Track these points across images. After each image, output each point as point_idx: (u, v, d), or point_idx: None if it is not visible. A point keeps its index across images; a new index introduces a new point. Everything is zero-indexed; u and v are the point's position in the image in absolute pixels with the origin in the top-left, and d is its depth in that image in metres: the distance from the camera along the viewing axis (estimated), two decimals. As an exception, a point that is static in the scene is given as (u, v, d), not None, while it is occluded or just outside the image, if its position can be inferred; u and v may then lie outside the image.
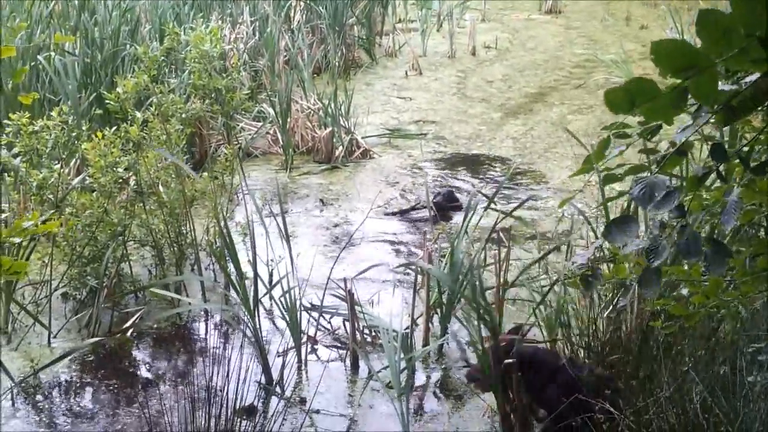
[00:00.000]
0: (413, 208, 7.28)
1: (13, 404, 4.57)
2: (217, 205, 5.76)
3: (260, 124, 9.10)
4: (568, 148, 8.35)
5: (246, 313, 4.88)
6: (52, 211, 5.21)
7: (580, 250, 5.35)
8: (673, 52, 1.92)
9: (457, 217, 6.89)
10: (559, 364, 3.89)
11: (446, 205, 7.28)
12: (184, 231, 5.81)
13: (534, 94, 10.46)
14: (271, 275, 5.65)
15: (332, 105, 8.67)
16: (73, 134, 5.74)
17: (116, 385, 4.79)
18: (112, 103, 5.96)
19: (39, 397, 4.66)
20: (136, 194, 5.66)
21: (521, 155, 8.52)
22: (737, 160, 2.57)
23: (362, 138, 8.83)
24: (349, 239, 6.39)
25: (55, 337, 5.21)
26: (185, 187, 5.77)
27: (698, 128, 2.31)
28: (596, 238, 5.02)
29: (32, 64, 7.66)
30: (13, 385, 4.59)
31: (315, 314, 5.29)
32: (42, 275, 5.50)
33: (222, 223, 5.36)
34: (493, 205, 5.96)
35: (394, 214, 7.21)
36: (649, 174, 2.38)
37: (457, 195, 7.46)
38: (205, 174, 6.28)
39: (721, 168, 2.50)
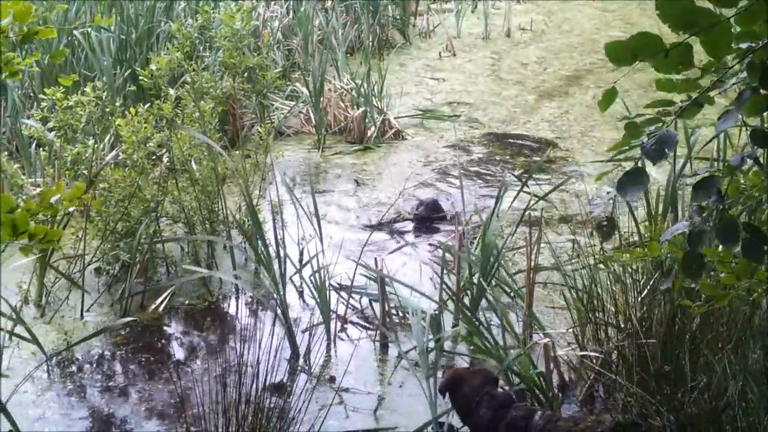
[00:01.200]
0: (395, 221, 6.63)
1: (48, 376, 4.62)
2: (248, 183, 5.77)
3: (293, 103, 9.10)
4: (605, 131, 8.26)
5: (274, 290, 4.89)
6: (79, 185, 5.21)
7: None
8: (677, 9, 2.02)
9: (444, 228, 6.54)
10: (489, 385, 3.84)
11: (430, 216, 6.69)
12: (216, 209, 5.82)
13: (569, 76, 10.35)
14: (301, 254, 5.66)
15: (365, 85, 8.65)
16: (107, 110, 5.76)
17: (148, 360, 4.83)
18: (145, 79, 5.98)
19: (73, 369, 4.71)
20: (169, 171, 5.69)
21: (557, 138, 8.43)
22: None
23: (395, 119, 8.80)
24: (380, 219, 6.38)
25: (88, 311, 5.25)
26: (217, 165, 5.78)
27: (740, 114, 2.28)
28: (634, 219, 4.96)
29: (69, 38, 7.71)
30: (46, 359, 4.64)
31: (344, 294, 5.28)
32: (76, 249, 5.54)
33: (253, 201, 5.37)
34: (526, 188, 5.91)
35: (372, 227, 6.45)
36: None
37: (442, 204, 6.84)
38: (238, 152, 6.29)
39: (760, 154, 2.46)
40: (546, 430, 3.58)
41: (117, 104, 5.90)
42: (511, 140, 8.53)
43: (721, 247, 2.86)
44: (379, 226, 6.43)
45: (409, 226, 6.61)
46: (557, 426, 3.59)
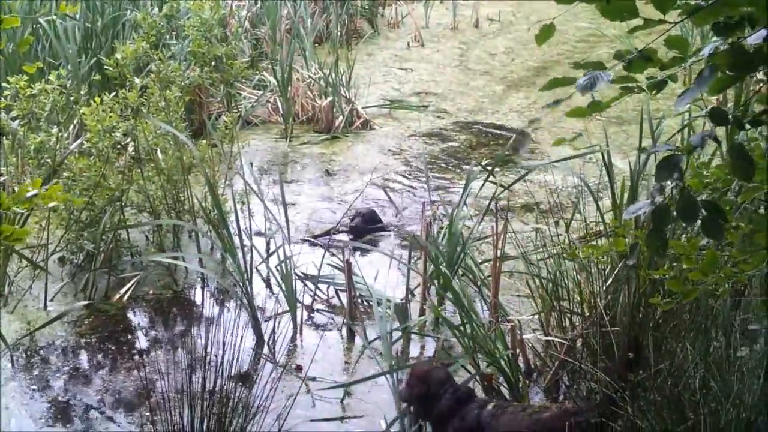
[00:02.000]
0: (328, 233, 6.18)
1: (12, 365, 4.58)
2: (214, 172, 5.74)
3: (261, 92, 9.06)
4: (573, 122, 8.30)
5: (240, 279, 4.87)
6: (55, 181, 5.16)
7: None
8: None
9: (383, 243, 6.21)
10: (448, 382, 3.89)
11: (366, 228, 6.27)
12: (182, 198, 5.78)
13: (536, 67, 10.39)
14: (268, 243, 5.64)
15: (333, 75, 8.63)
16: (72, 98, 5.70)
17: (112, 350, 4.80)
18: (110, 68, 5.92)
19: (36, 360, 4.67)
20: (134, 160, 5.64)
21: (525, 128, 8.46)
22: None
23: (363, 108, 8.79)
24: (348, 209, 6.38)
25: (51, 300, 5.21)
26: (183, 154, 5.74)
27: (700, 92, 2.32)
28: (598, 208, 4.99)
29: (34, 26, 7.61)
30: (6, 348, 4.59)
31: (311, 283, 5.28)
32: (39, 239, 5.48)
33: (218, 191, 5.34)
34: (492, 178, 5.93)
35: (305, 241, 6.00)
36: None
37: (381, 216, 6.45)
38: (203, 141, 6.25)
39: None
40: (497, 417, 3.67)
41: (82, 93, 5.83)
42: (479, 130, 8.55)
43: (685, 239, 2.91)
44: (314, 239, 6.06)
45: (345, 238, 6.18)
46: (506, 412, 3.67)
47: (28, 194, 2.86)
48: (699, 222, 2.36)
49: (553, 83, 2.59)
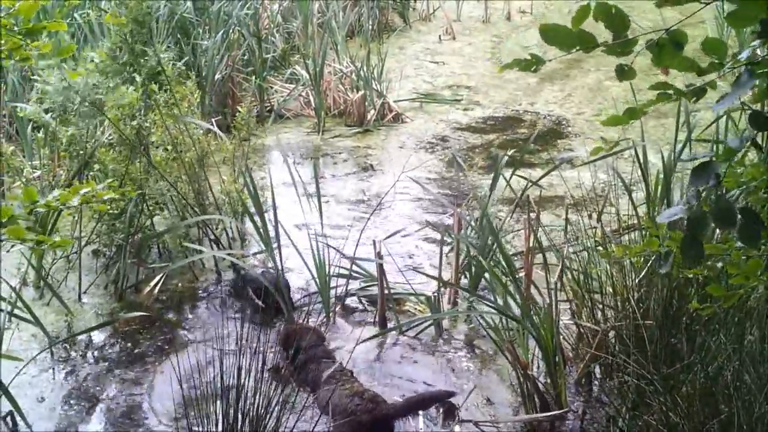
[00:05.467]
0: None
1: (51, 356, 4.63)
2: (244, 165, 5.75)
3: (293, 86, 9.09)
4: (610, 113, 8.23)
5: (274, 268, 4.88)
6: (109, 180, 5.14)
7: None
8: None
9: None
10: (319, 342, 4.42)
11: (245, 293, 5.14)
12: (203, 189, 5.83)
13: (570, 60, 10.30)
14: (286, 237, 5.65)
15: (365, 68, 8.63)
16: (101, 91, 5.71)
17: (146, 341, 4.83)
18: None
19: (73, 353, 4.71)
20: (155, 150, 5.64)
21: (560, 121, 8.40)
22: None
23: (394, 102, 8.78)
24: (379, 202, 6.38)
25: (85, 292, 5.26)
26: (204, 146, 5.79)
27: (738, 96, 2.29)
28: (631, 201, 4.95)
29: (69, 20, 7.69)
30: (49, 344, 4.65)
31: (344, 273, 5.27)
32: (72, 232, 5.53)
33: (252, 182, 5.36)
34: (520, 172, 5.90)
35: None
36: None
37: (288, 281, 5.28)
38: (233, 134, 6.27)
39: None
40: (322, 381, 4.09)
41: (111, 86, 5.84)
42: (512, 123, 8.51)
43: (723, 240, 2.87)
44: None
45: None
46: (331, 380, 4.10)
47: (81, 192, 2.90)
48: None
49: (610, 121, 2.63)
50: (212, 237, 5.72)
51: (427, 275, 5.07)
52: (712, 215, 2.36)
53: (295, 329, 4.50)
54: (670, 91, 2.54)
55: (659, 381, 3.49)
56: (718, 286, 2.93)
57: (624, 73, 2.49)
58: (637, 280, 4.28)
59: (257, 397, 3.39)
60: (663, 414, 3.34)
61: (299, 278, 5.36)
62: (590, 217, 5.96)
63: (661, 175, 5.14)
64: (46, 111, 5.66)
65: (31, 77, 5.65)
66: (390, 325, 4.90)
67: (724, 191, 2.38)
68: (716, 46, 2.38)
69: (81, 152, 5.47)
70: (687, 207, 2.45)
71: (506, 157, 5.70)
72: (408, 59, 10.46)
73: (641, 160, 5.10)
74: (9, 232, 2.71)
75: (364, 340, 4.57)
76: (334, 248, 5.17)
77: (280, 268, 5.04)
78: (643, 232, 4.57)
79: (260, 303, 4.95)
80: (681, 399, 3.30)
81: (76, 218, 5.45)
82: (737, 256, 2.80)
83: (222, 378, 3.42)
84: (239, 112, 6.40)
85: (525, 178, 5.80)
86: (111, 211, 5.32)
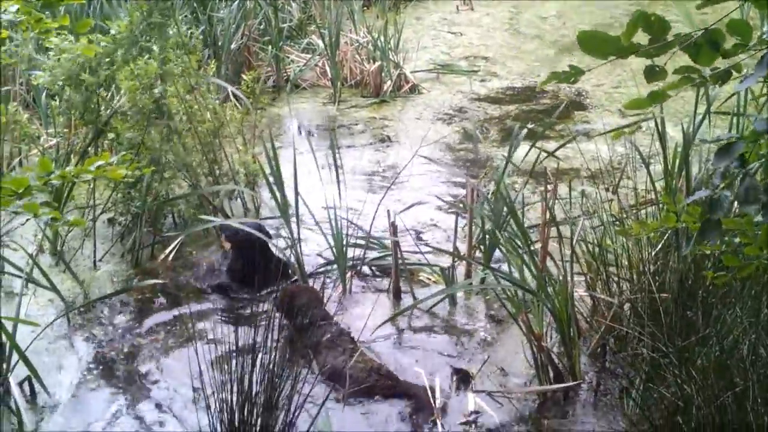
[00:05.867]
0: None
1: (69, 324, 4.66)
2: (259, 134, 5.74)
3: (309, 56, 9.05)
4: (632, 88, 8.15)
5: (290, 237, 4.87)
6: (123, 152, 5.13)
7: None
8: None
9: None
10: (317, 303, 4.43)
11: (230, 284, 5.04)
12: (219, 159, 5.83)
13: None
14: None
15: (381, 39, 8.59)
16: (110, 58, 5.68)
17: (161, 305, 4.86)
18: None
19: (89, 320, 4.74)
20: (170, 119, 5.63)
21: (580, 93, 8.34)
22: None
23: (411, 73, 8.74)
24: (397, 174, 6.36)
25: (101, 260, 5.29)
26: (220, 115, 5.78)
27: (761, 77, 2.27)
28: (649, 174, 4.91)
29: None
30: (66, 310, 4.67)
31: (359, 242, 5.27)
32: (88, 200, 5.56)
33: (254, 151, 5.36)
34: (542, 143, 5.86)
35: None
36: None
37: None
38: (250, 102, 6.26)
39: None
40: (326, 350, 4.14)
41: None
42: (530, 95, 8.46)
43: (740, 215, 2.84)
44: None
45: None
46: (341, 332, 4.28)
47: (95, 165, 2.90)
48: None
49: (632, 104, 2.60)
50: (219, 207, 5.72)
51: (441, 250, 5.06)
52: (736, 195, 2.34)
53: (293, 290, 4.50)
54: (694, 75, 2.50)
55: (674, 353, 3.48)
56: (733, 256, 2.91)
57: (654, 74, 2.44)
58: (653, 253, 4.27)
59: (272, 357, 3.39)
60: (677, 386, 3.33)
61: (316, 247, 5.36)
62: (607, 190, 5.93)
63: (680, 149, 5.09)
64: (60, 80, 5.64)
65: (47, 47, 5.63)
66: (404, 296, 4.91)
67: (749, 171, 2.36)
68: (741, 28, 2.35)
69: (96, 120, 5.46)
70: (711, 188, 2.43)
71: (525, 130, 5.66)
72: (425, 29, 10.39)
73: (660, 133, 5.06)
74: (25, 208, 2.72)
75: (383, 323, 4.55)
76: (352, 223, 5.17)
77: (296, 235, 5.03)
78: (661, 206, 4.55)
79: (225, 244, 5.05)
80: (696, 372, 3.29)
81: (91, 186, 5.46)
82: (751, 229, 2.78)
83: (237, 345, 3.43)
84: (244, 80, 6.37)
85: (542, 150, 5.76)
86: (127, 180, 5.31)
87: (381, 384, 4.02)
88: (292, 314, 4.29)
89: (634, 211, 4.87)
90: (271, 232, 5.46)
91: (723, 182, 2.42)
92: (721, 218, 2.43)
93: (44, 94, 6.70)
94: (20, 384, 4.03)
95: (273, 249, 5.03)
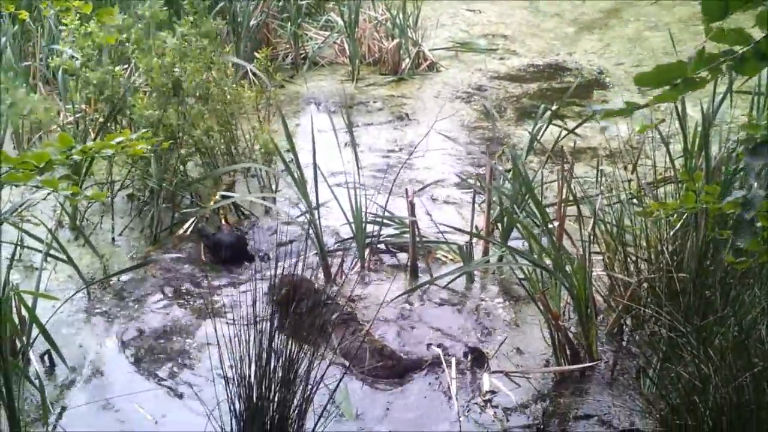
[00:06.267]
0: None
1: (89, 299, 4.69)
2: (279, 112, 5.74)
3: (327, 33, 9.03)
4: (652, 66, 8.09)
5: (308, 213, 4.88)
6: (144, 131, 5.13)
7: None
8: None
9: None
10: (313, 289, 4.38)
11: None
12: (236, 136, 5.83)
13: (609, 9, 10.15)
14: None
15: (400, 16, 8.55)
16: (125, 36, 5.69)
17: (179, 281, 4.89)
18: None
19: (108, 294, 4.77)
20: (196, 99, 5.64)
21: (601, 71, 8.28)
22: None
23: (429, 50, 8.71)
24: (413, 150, 6.35)
25: (120, 235, 5.32)
26: (235, 94, 5.78)
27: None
28: (668, 152, 4.87)
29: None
30: (85, 285, 4.71)
31: (375, 220, 5.27)
32: (107, 176, 5.58)
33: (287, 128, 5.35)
34: (557, 121, 5.83)
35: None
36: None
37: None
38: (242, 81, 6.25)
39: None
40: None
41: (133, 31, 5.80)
42: (550, 73, 8.41)
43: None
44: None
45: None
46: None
47: (115, 141, 2.91)
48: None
49: (643, 80, 2.49)
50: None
51: (459, 230, 5.05)
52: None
53: (290, 281, 4.39)
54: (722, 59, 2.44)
55: (692, 333, 3.48)
56: (755, 241, 2.89)
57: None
58: (671, 233, 4.25)
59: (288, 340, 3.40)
60: (695, 366, 3.33)
61: (334, 222, 5.37)
62: (625, 168, 5.91)
63: (699, 128, 5.06)
64: (75, 58, 5.65)
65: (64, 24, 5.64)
66: (420, 273, 4.92)
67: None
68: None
69: (113, 97, 5.47)
70: (748, 187, 2.41)
71: (546, 109, 5.63)
72: (443, 7, 10.34)
73: (679, 111, 5.02)
74: (44, 182, 2.74)
75: (396, 297, 4.57)
76: (371, 200, 5.17)
77: (315, 212, 5.03)
78: (680, 185, 4.52)
79: (203, 257, 5.11)
80: (713, 352, 3.28)
81: (110, 163, 5.49)
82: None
83: (255, 323, 3.45)
84: (257, 59, 6.35)
85: (562, 127, 5.74)
86: (146, 156, 5.34)
87: (384, 364, 4.06)
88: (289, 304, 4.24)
89: (653, 190, 4.84)
90: (290, 209, 5.48)
91: (757, 181, 2.39)
92: (755, 218, 2.41)
93: (60, 71, 6.72)
94: (40, 357, 4.08)
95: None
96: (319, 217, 4.92)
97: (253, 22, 8.33)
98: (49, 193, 5.10)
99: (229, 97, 5.75)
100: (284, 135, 5.24)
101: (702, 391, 3.24)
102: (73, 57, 5.62)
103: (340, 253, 5.07)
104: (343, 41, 8.80)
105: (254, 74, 6.81)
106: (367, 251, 5.06)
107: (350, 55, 8.59)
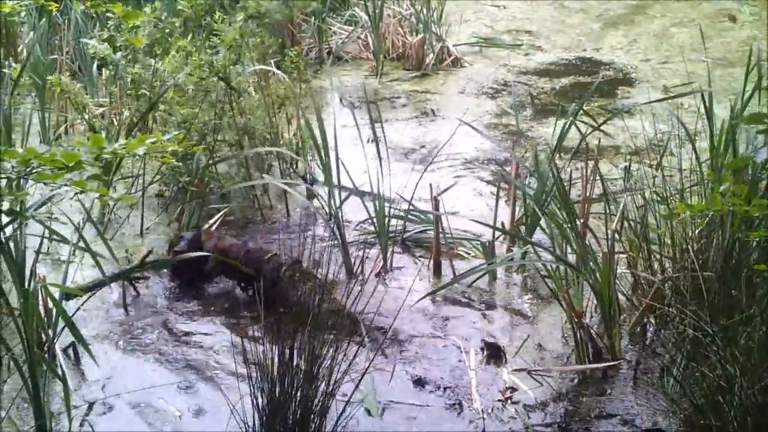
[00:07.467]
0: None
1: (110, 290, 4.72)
2: (303, 106, 5.76)
3: (351, 28, 9.04)
4: (680, 64, 8.04)
5: (332, 207, 4.89)
6: (176, 133, 5.16)
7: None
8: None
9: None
10: (265, 257, 4.54)
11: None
12: (267, 135, 5.86)
13: (634, 5, 10.08)
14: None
15: (425, 11, 8.54)
16: (167, 31, 5.74)
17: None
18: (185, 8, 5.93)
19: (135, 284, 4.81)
20: (229, 93, 5.67)
21: (627, 68, 8.24)
22: None
23: (453, 46, 8.69)
24: (440, 148, 6.35)
25: (147, 229, 5.36)
26: (271, 90, 5.81)
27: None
28: (695, 150, 4.84)
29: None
30: (110, 278, 4.73)
31: (399, 216, 5.28)
32: (134, 170, 5.62)
33: (310, 122, 5.37)
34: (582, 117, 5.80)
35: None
36: None
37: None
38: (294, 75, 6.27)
39: None
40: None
41: (177, 25, 5.86)
42: (576, 69, 8.37)
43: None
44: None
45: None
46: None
47: (147, 141, 2.92)
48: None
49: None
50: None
51: (483, 224, 5.05)
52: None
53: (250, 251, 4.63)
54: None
55: (717, 333, 3.46)
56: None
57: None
58: (696, 232, 4.23)
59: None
60: (720, 366, 3.31)
61: (356, 216, 5.38)
62: (650, 166, 5.87)
63: (726, 125, 5.02)
64: (116, 50, 5.69)
65: (93, 15, 5.69)
66: (443, 271, 4.92)
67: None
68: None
69: (148, 93, 5.51)
70: None
71: (574, 107, 5.61)
72: (468, 3, 10.31)
73: (706, 107, 4.98)
74: (72, 183, 2.74)
75: (422, 298, 4.57)
76: (397, 194, 5.17)
77: (337, 204, 5.05)
78: (706, 184, 4.49)
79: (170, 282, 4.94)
80: (739, 351, 3.27)
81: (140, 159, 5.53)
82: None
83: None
84: (288, 56, 6.38)
85: (588, 124, 5.70)
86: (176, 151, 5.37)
87: (341, 324, 3.81)
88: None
89: (679, 189, 4.81)
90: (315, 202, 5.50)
91: None
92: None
93: (95, 65, 6.76)
94: (65, 350, 4.09)
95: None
96: (341, 212, 4.93)
97: (277, 16, 8.33)
98: (75, 195, 5.13)
99: (283, 90, 5.78)
100: (316, 130, 5.26)
101: (727, 392, 3.23)
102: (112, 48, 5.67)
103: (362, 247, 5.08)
104: (367, 36, 8.81)
105: (279, 69, 6.83)
106: (390, 248, 5.07)
107: (374, 50, 8.60)
